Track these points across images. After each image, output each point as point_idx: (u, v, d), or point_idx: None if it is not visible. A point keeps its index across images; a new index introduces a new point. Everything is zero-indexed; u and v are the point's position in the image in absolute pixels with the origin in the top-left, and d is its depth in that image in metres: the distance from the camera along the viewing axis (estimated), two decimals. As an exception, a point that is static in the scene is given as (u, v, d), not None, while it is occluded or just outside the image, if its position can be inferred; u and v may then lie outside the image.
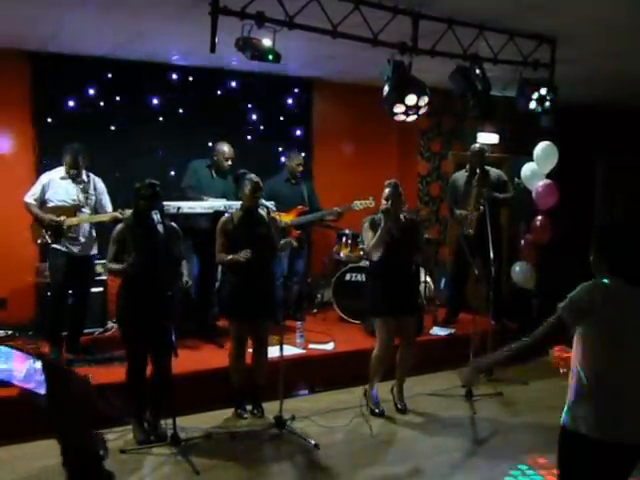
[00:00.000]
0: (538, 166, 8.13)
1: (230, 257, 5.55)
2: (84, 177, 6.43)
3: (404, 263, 5.89)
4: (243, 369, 5.82)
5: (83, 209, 6.37)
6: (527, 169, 8.21)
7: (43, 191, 6.32)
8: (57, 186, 6.33)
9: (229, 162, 7.33)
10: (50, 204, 6.30)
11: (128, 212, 5.99)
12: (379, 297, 5.87)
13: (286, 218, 7.52)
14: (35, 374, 1.51)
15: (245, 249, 5.47)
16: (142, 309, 5.08)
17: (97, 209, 6.47)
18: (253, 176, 5.69)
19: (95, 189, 6.50)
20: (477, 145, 8.08)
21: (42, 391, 1.49)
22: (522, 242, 8.20)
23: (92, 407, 1.58)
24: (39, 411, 1.45)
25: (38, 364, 1.51)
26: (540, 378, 7.07)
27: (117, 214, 6.18)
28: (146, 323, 5.08)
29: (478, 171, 7.66)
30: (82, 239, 6.38)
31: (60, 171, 6.41)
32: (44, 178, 6.40)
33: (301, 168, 8.06)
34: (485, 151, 7.98)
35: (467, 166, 7.98)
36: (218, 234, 5.65)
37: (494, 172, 7.94)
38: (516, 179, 8.33)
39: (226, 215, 5.77)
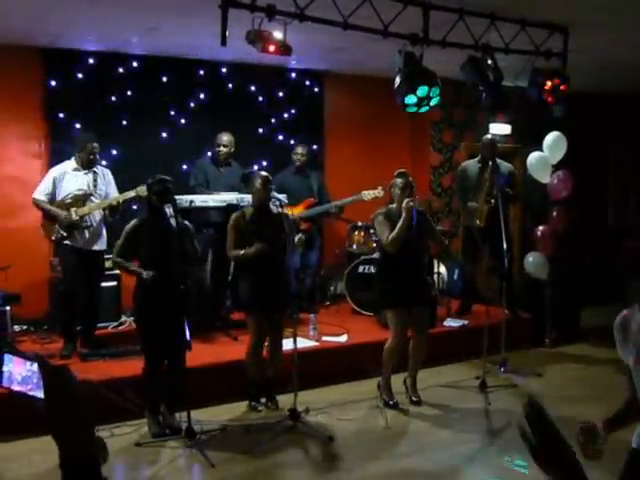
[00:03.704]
0: (548, 156, 8.10)
1: (242, 252, 5.57)
2: (95, 168, 6.47)
3: (415, 254, 5.88)
4: (261, 363, 5.85)
5: (92, 198, 6.40)
6: (532, 158, 8.18)
7: (54, 185, 6.33)
8: (69, 178, 6.36)
9: (221, 149, 7.40)
10: (61, 196, 6.33)
11: (140, 188, 6.06)
12: (390, 288, 5.86)
13: (295, 211, 7.52)
14: (32, 376, 1.51)
15: (257, 243, 5.50)
16: (157, 303, 5.11)
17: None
18: (262, 172, 5.72)
19: (104, 180, 6.54)
20: (488, 136, 8.03)
21: (40, 394, 1.48)
22: (538, 233, 8.16)
23: (92, 410, 1.56)
24: (38, 413, 1.43)
25: (35, 366, 1.50)
26: (554, 370, 7.07)
27: (128, 193, 6.29)
28: (161, 317, 5.10)
29: (490, 163, 7.61)
30: (93, 231, 6.42)
31: (71, 163, 6.44)
32: (54, 172, 6.42)
33: (303, 158, 8.05)
34: (497, 142, 7.93)
35: (479, 156, 7.94)
36: (230, 230, 5.66)
37: (505, 166, 7.89)
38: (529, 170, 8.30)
39: (238, 211, 5.78)
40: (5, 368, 1.51)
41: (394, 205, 5.89)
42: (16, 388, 1.46)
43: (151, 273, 5.09)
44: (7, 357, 1.53)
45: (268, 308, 5.67)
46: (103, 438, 1.65)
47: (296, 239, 5.63)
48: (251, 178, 5.74)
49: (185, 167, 7.87)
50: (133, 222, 5.29)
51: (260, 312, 5.70)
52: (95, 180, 6.45)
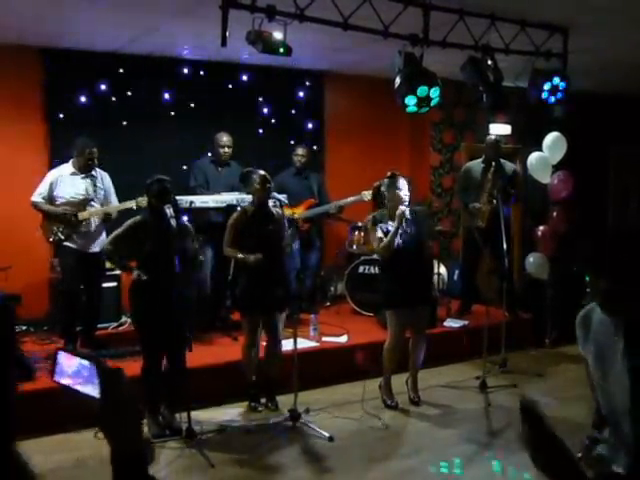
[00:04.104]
0: (548, 156, 8.11)
1: (241, 256, 5.56)
2: (93, 172, 6.47)
3: (416, 255, 5.87)
4: (256, 363, 5.84)
5: (92, 203, 6.40)
6: (532, 158, 8.18)
7: (51, 189, 6.35)
8: (66, 182, 6.37)
9: (225, 149, 7.39)
10: (60, 201, 6.34)
11: (140, 199, 6.07)
12: (392, 289, 5.86)
13: (295, 211, 7.52)
14: (83, 370, 1.53)
15: (257, 248, 5.51)
16: (157, 304, 5.10)
17: (104, 204, 6.52)
18: (260, 171, 5.71)
19: (103, 184, 6.55)
20: (493, 137, 8.03)
21: (93, 392, 1.52)
22: (539, 233, 8.16)
23: (140, 410, 1.61)
24: (90, 411, 1.47)
25: (86, 362, 1.53)
26: (554, 370, 7.06)
27: (127, 204, 6.31)
28: (161, 318, 5.10)
29: (493, 163, 7.62)
30: (92, 234, 6.43)
31: (68, 167, 6.45)
32: (52, 175, 6.44)
33: (304, 159, 8.04)
34: (501, 143, 7.93)
35: (483, 157, 7.93)
36: (229, 228, 5.66)
37: (509, 165, 7.90)
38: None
39: (238, 210, 5.78)
40: (58, 363, 1.56)
41: (383, 210, 5.88)
42: (65, 382, 1.48)
43: (143, 276, 5.09)
44: (60, 354, 1.57)
45: (263, 309, 5.67)
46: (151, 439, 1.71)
47: (287, 232, 5.64)
48: (249, 177, 5.73)
49: (185, 167, 7.86)
50: (136, 218, 5.31)
51: (254, 312, 5.71)
52: (94, 185, 6.46)
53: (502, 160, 7.82)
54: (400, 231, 5.69)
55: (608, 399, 2.66)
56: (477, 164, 7.96)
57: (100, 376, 1.53)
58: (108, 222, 6.46)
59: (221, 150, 7.39)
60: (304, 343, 6.58)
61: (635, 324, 2.53)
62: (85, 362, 1.59)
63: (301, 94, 8.88)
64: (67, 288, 6.46)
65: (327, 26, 5.35)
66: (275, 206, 5.80)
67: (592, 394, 2.89)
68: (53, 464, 4.66)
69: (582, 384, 3.13)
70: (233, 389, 5.93)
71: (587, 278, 2.63)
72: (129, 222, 5.28)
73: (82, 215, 6.31)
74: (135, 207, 6.27)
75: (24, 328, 6.96)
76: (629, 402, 2.53)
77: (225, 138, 7.41)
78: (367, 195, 7.64)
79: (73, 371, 1.61)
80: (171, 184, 5.27)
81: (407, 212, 5.67)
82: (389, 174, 5.89)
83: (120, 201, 6.59)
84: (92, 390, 1.56)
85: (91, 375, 1.57)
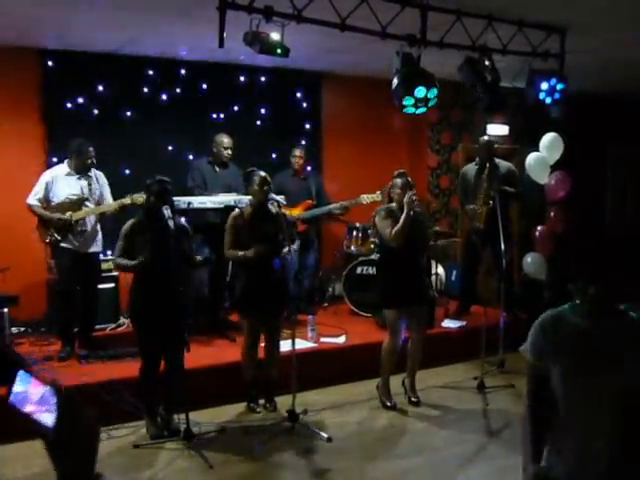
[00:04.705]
0: (546, 156, 8.11)
1: (241, 254, 5.55)
2: (89, 172, 6.47)
3: (413, 254, 5.88)
4: (255, 364, 5.84)
5: (87, 203, 6.40)
6: (531, 159, 8.18)
7: (47, 189, 6.34)
8: (62, 183, 6.36)
9: (228, 151, 7.37)
10: (55, 201, 6.33)
11: (136, 196, 6.04)
12: (389, 289, 5.87)
13: (293, 212, 7.51)
14: (50, 398, 1.49)
15: (255, 245, 5.49)
16: (155, 305, 5.10)
17: (100, 203, 6.51)
18: (261, 172, 5.71)
19: (98, 183, 6.54)
20: (485, 138, 8.03)
21: (49, 422, 1.46)
22: (537, 233, 8.16)
23: (96, 444, 1.57)
24: (43, 441, 1.42)
25: (53, 391, 1.48)
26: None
27: (124, 201, 6.27)
28: (159, 318, 5.09)
29: (488, 165, 7.62)
30: (89, 234, 6.43)
31: (63, 168, 6.45)
32: (46, 176, 6.42)
33: (301, 161, 8.03)
34: (493, 143, 7.93)
35: (477, 159, 7.94)
36: (228, 230, 5.65)
37: (504, 165, 7.88)
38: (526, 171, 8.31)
39: (236, 211, 5.78)
40: (20, 388, 1.45)
41: (394, 204, 5.91)
42: (28, 409, 1.41)
43: (145, 258, 5.07)
44: (24, 376, 1.47)
45: (262, 310, 5.67)
46: (102, 475, 1.65)
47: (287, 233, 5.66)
48: (251, 176, 5.72)
49: (182, 169, 7.85)
50: (130, 222, 5.28)
51: (253, 315, 5.70)
52: (90, 184, 6.45)
53: (497, 160, 7.81)
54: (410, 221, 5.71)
55: (572, 414, 2.59)
56: (471, 167, 7.96)
57: (58, 404, 1.47)
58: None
59: (224, 151, 7.36)
60: (302, 344, 6.59)
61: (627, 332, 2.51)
62: (50, 388, 1.54)
63: (299, 95, 8.87)
64: (63, 289, 6.45)
65: (324, 27, 5.34)
66: (273, 207, 5.77)
67: (526, 409, 2.86)
68: (49, 467, 4.65)
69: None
70: (231, 390, 5.93)
71: (576, 283, 2.55)
72: (124, 229, 5.23)
73: (77, 215, 6.30)
74: (130, 202, 6.26)
75: (22, 330, 6.96)
76: (614, 417, 2.47)
77: (226, 140, 7.39)
78: (366, 199, 7.66)
79: (40, 397, 1.56)
80: (171, 185, 5.27)
81: (414, 196, 5.70)
82: (396, 173, 5.94)
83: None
84: (50, 418, 1.50)
85: (53, 402, 1.52)
